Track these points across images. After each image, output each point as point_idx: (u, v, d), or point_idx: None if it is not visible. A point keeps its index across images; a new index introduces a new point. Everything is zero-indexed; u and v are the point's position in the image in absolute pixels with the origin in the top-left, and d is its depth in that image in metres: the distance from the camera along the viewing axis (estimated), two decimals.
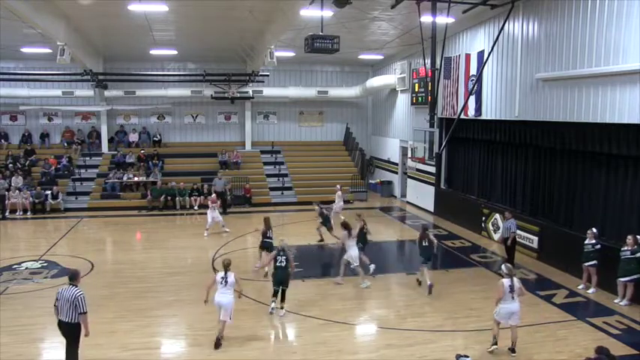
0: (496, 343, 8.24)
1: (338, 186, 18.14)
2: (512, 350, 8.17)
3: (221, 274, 8.43)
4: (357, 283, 11.90)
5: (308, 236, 15.15)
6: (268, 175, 22.87)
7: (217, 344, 8.30)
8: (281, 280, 9.57)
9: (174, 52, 21.54)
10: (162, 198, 19.85)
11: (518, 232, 13.92)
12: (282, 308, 9.68)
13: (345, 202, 17.91)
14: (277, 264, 9.64)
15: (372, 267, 12.13)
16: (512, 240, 12.70)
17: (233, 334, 8.81)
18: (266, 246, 11.99)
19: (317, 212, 14.89)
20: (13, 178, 19.79)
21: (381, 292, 11.36)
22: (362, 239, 12.05)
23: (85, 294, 7.04)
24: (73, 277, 7.22)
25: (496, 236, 15.10)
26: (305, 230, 15.88)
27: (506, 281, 8.12)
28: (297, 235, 15.20)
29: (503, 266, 8.55)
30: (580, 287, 11.14)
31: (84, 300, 6.93)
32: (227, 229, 16.18)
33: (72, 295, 6.88)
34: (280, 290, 9.64)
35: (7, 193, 18.84)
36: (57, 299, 7.03)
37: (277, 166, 23.59)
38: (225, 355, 8.08)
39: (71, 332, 7.02)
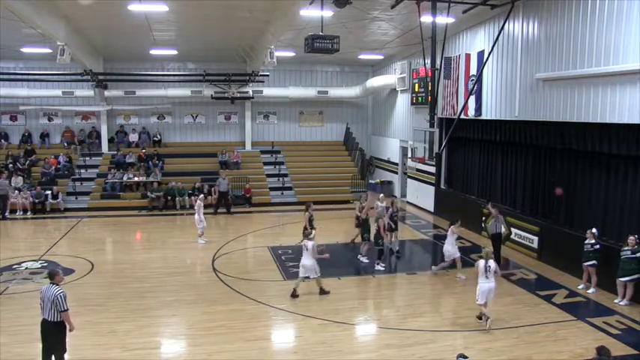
0: (481, 318, 9.20)
1: (381, 195, 15.49)
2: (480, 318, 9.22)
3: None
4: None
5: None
6: (268, 175, 22.87)
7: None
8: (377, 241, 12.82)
9: (174, 52, 21.52)
10: (162, 198, 19.85)
11: (518, 232, 14.00)
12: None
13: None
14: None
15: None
16: (494, 237, 12.83)
17: (233, 334, 8.83)
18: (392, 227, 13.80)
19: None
20: (13, 178, 19.79)
21: (381, 292, 11.38)
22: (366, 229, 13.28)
23: (65, 292, 7.04)
24: (52, 275, 7.26)
25: None
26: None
27: (481, 262, 9.17)
28: (298, 235, 15.14)
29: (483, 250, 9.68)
30: (580, 287, 11.13)
31: (63, 298, 6.95)
32: (202, 240, 15.03)
33: (52, 294, 6.93)
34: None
35: (7, 193, 18.81)
36: (41, 298, 7.08)
37: (277, 166, 23.58)
38: (225, 355, 8.07)
39: (54, 331, 7.02)
